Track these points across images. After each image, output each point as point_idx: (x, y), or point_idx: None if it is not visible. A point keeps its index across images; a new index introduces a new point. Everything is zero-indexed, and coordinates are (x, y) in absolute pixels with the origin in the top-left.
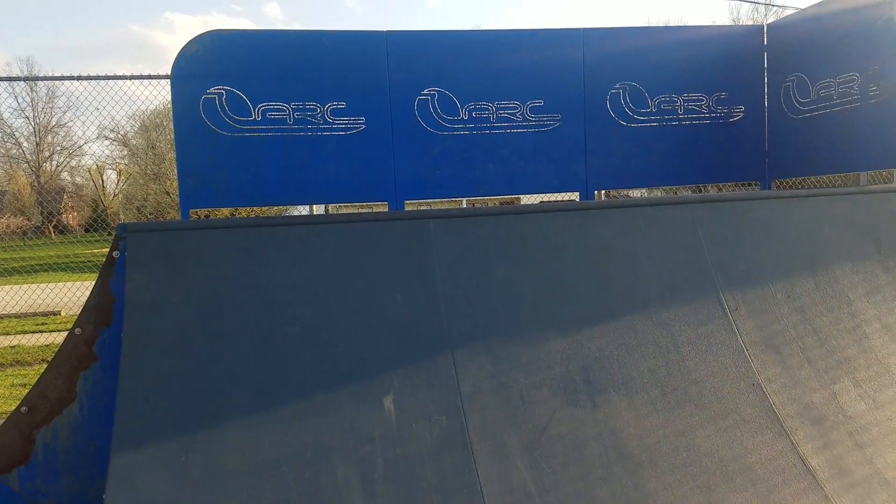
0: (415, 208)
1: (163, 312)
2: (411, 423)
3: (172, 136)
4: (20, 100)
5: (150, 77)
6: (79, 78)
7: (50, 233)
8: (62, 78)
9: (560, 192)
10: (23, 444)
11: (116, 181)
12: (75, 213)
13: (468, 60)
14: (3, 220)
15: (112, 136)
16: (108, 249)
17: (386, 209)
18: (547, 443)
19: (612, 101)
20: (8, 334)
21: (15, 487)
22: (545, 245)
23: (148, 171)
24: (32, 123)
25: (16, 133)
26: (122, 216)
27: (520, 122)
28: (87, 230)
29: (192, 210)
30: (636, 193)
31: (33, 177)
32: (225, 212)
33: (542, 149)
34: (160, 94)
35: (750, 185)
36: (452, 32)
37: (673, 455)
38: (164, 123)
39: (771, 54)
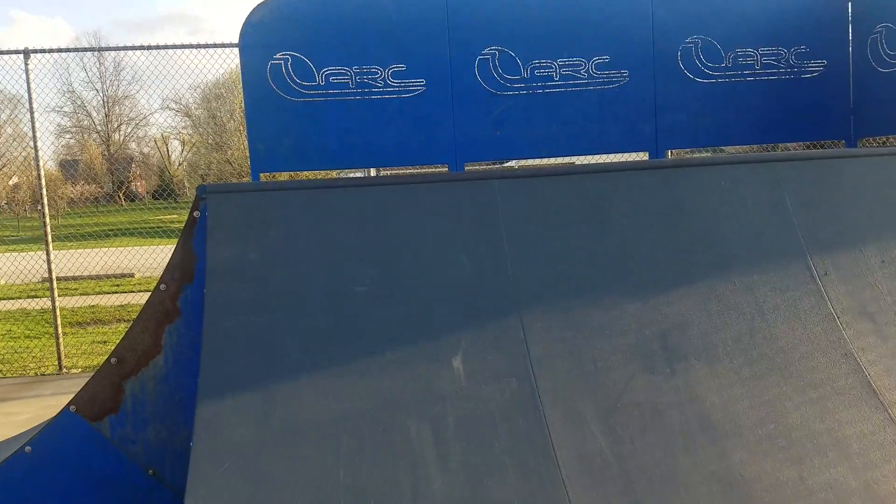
0: (474, 169)
1: (241, 270)
2: (481, 384)
3: (232, 107)
4: (89, 72)
5: (214, 46)
6: (146, 48)
7: (120, 200)
8: (130, 48)
9: (627, 151)
10: (113, 394)
11: (181, 150)
12: (143, 182)
13: (530, 18)
14: (77, 187)
15: (175, 106)
16: (174, 215)
17: (446, 171)
18: (623, 410)
19: (684, 55)
20: (87, 294)
21: (106, 434)
22: (617, 206)
23: (210, 141)
24: (101, 95)
25: (87, 104)
26: (186, 184)
27: (584, 79)
28: (154, 197)
29: (262, 173)
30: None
31: (104, 146)
32: (286, 175)
33: (608, 107)
34: (219, 65)
35: (833, 144)
36: None
37: (759, 426)
38: (224, 94)
39: (855, 4)
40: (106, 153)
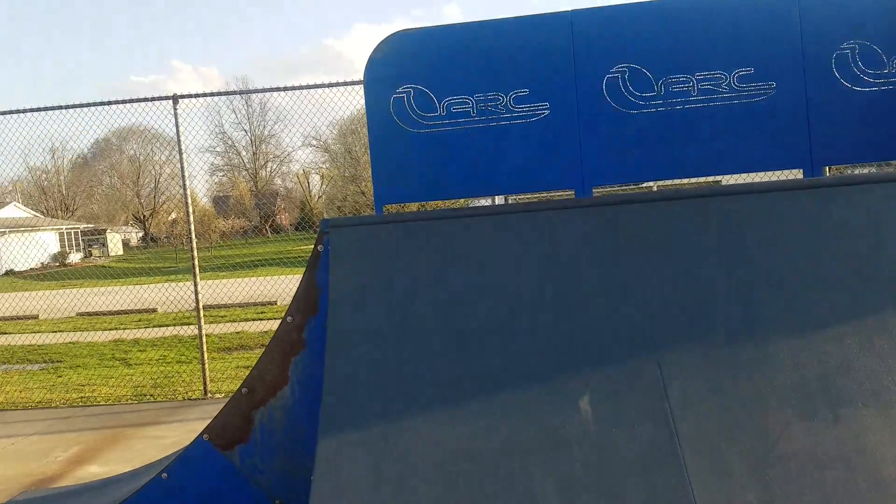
0: (603, 194)
1: (362, 303)
2: (611, 428)
3: (367, 140)
4: (238, 114)
5: (344, 84)
6: (283, 89)
7: (266, 232)
8: (267, 90)
9: (776, 169)
10: (243, 423)
11: (320, 184)
12: (286, 214)
13: (662, 32)
14: (228, 221)
15: (314, 143)
16: (311, 246)
17: (572, 197)
18: (777, 462)
19: (839, 62)
20: (234, 321)
21: (236, 463)
22: (764, 230)
23: (346, 174)
24: (249, 135)
25: (236, 144)
26: (325, 215)
27: (725, 93)
28: (296, 229)
29: (385, 206)
30: (872, 169)
31: (251, 182)
32: (413, 206)
33: (754, 122)
34: (354, 101)
35: None
36: (643, 4)
37: None
38: (359, 129)
39: None
40: (253, 189)
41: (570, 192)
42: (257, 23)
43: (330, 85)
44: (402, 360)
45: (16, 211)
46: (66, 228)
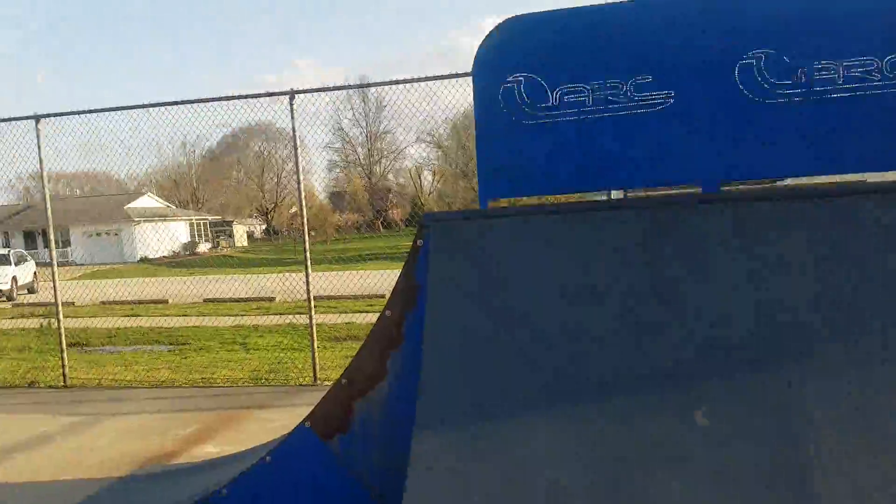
0: (731, 190)
1: (461, 300)
2: (735, 445)
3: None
4: (356, 111)
5: (454, 76)
6: (392, 83)
7: (378, 227)
8: (377, 84)
9: None
10: (343, 414)
11: (431, 180)
12: (398, 210)
13: (805, 16)
14: (344, 215)
15: (427, 138)
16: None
17: (698, 193)
18: None
19: None
20: (344, 312)
21: (336, 452)
22: None
23: (457, 170)
24: (365, 131)
25: (353, 141)
26: (435, 210)
27: (877, 81)
28: (406, 224)
29: (490, 200)
30: None
31: (366, 178)
32: (524, 201)
33: None
34: (468, 96)
35: None
36: None
37: None
38: (471, 123)
39: None
40: (367, 184)
41: (695, 187)
42: (380, 21)
43: (437, 78)
44: (501, 360)
45: (150, 201)
46: (196, 219)
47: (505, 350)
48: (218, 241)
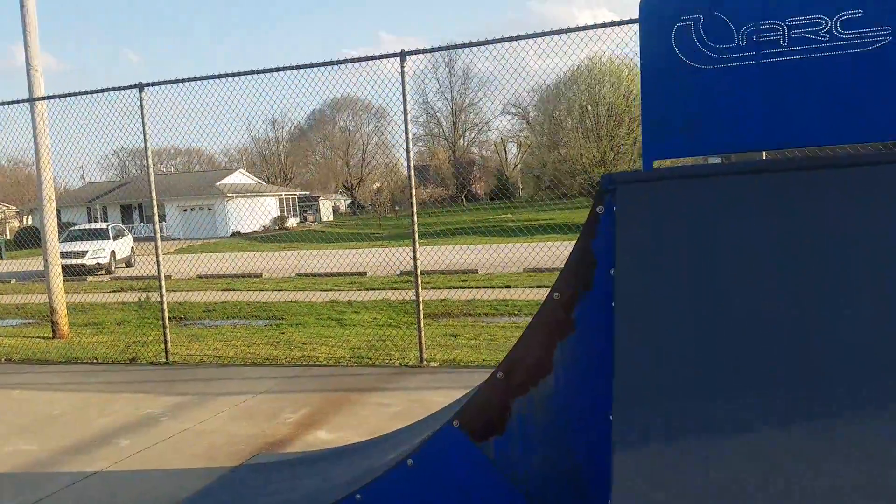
0: None
1: (661, 281)
2: None
3: (570, 105)
4: (441, 83)
5: (557, 32)
6: (479, 43)
7: (462, 201)
8: (460, 46)
9: None
10: (499, 413)
11: (517, 153)
12: (482, 183)
13: None
14: (427, 190)
15: (514, 110)
16: (508, 215)
17: None
18: None
19: None
20: (437, 289)
21: (490, 456)
22: None
23: (544, 142)
24: (451, 104)
25: (437, 114)
26: (519, 184)
27: None
28: (491, 199)
29: (656, 160)
30: None
31: (450, 152)
32: (688, 161)
33: None
34: (555, 65)
35: None
36: None
37: None
38: (562, 92)
39: None
40: (451, 158)
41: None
42: None
43: (538, 35)
44: (717, 355)
45: (241, 177)
46: (286, 194)
47: (720, 344)
48: (305, 216)
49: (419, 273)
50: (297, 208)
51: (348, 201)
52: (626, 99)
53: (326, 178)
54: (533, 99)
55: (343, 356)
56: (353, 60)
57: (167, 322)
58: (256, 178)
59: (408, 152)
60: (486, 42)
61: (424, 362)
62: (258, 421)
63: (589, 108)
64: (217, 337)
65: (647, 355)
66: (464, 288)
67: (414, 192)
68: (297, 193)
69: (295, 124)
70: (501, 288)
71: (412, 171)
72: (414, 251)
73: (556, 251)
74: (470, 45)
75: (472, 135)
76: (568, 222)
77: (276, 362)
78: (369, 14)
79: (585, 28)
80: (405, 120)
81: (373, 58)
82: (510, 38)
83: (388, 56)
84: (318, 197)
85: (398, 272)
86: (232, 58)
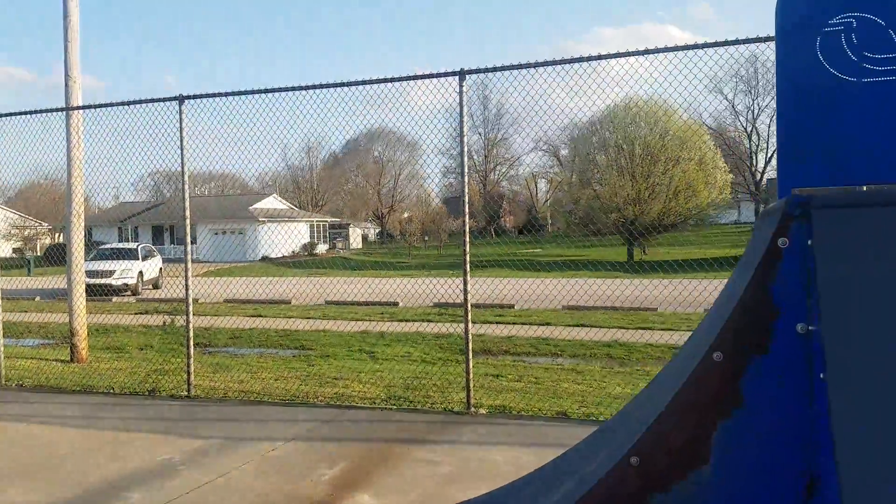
0: None
1: (888, 337)
2: None
3: (602, 142)
4: (475, 119)
5: (645, 53)
6: (516, 67)
7: (491, 234)
8: (524, 66)
9: None
10: None
11: (547, 189)
12: (511, 217)
13: None
14: (458, 221)
15: (545, 147)
16: (536, 249)
17: None
18: None
19: None
20: (475, 322)
21: None
22: None
23: (574, 180)
24: (483, 139)
25: (470, 147)
26: (549, 219)
27: None
28: (519, 232)
29: (796, 188)
30: None
31: (480, 185)
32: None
33: None
34: (588, 105)
35: None
36: None
37: None
38: (597, 129)
39: None
40: (482, 191)
41: None
42: (489, 25)
43: (616, 55)
44: None
45: (275, 203)
46: (317, 221)
47: None
48: (334, 243)
49: (469, 307)
50: (328, 235)
51: (377, 230)
52: (662, 139)
53: (357, 207)
54: (563, 137)
55: (378, 395)
56: (409, 78)
57: (192, 350)
58: (289, 204)
59: (463, 176)
60: (555, 62)
61: (472, 408)
62: (291, 476)
63: (624, 146)
64: (243, 367)
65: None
66: (501, 323)
67: (467, 220)
68: (328, 220)
69: (329, 152)
70: (541, 325)
71: (467, 198)
72: (465, 283)
73: (593, 287)
74: (535, 65)
75: (504, 169)
76: (602, 259)
77: (307, 400)
78: (407, 52)
79: (677, 48)
80: (462, 142)
81: (431, 76)
82: (580, 59)
83: (447, 74)
84: (349, 224)
85: (432, 303)
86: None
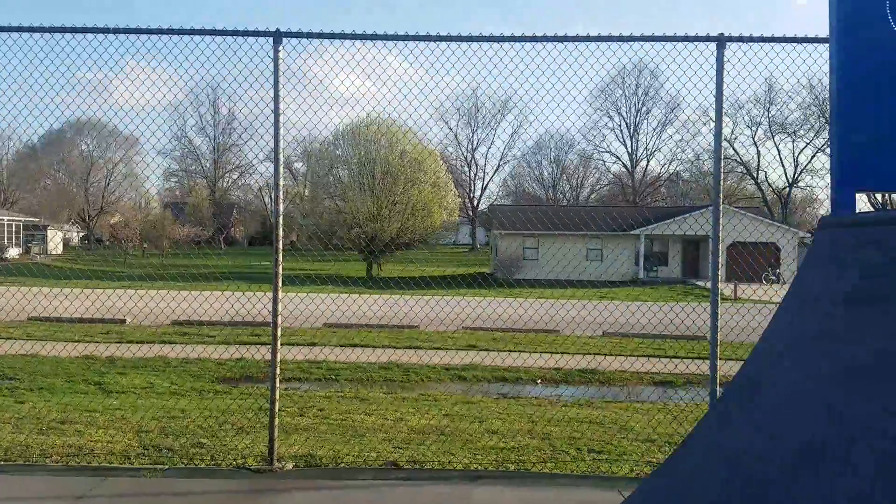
0: None
1: None
2: None
3: (344, 159)
4: (203, 119)
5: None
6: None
7: (220, 243)
8: (342, 37)
9: None
10: None
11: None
12: (241, 227)
13: None
14: (185, 229)
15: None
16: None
17: None
18: None
19: None
20: (227, 343)
21: None
22: None
23: (308, 194)
24: (212, 142)
25: (196, 150)
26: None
27: None
28: (250, 244)
29: (860, 191)
30: None
31: (209, 192)
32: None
33: None
34: (316, 121)
35: None
36: None
37: None
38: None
39: None
40: (211, 198)
41: None
42: None
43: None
44: None
45: None
46: (7, 220)
47: None
48: (29, 247)
49: (279, 322)
50: (22, 237)
51: (82, 234)
52: (401, 158)
53: (58, 206)
54: (295, 149)
55: (130, 447)
56: (214, 32)
57: None
58: None
59: (277, 167)
60: (401, 37)
61: (276, 462)
62: None
63: (366, 164)
64: None
65: None
66: (253, 344)
67: (280, 231)
68: (22, 219)
69: (25, 142)
70: (308, 346)
71: (281, 205)
72: (275, 301)
73: (347, 303)
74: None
75: (235, 177)
76: (343, 274)
77: (30, 459)
78: None
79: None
80: (276, 123)
81: (237, 32)
82: (427, 38)
83: (259, 34)
84: (48, 226)
85: (166, 322)
86: None
